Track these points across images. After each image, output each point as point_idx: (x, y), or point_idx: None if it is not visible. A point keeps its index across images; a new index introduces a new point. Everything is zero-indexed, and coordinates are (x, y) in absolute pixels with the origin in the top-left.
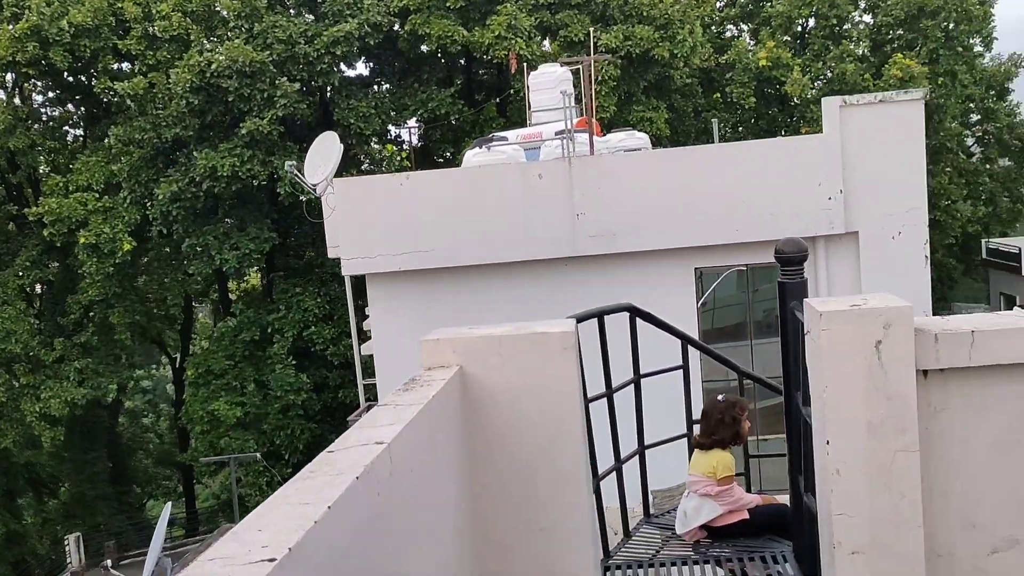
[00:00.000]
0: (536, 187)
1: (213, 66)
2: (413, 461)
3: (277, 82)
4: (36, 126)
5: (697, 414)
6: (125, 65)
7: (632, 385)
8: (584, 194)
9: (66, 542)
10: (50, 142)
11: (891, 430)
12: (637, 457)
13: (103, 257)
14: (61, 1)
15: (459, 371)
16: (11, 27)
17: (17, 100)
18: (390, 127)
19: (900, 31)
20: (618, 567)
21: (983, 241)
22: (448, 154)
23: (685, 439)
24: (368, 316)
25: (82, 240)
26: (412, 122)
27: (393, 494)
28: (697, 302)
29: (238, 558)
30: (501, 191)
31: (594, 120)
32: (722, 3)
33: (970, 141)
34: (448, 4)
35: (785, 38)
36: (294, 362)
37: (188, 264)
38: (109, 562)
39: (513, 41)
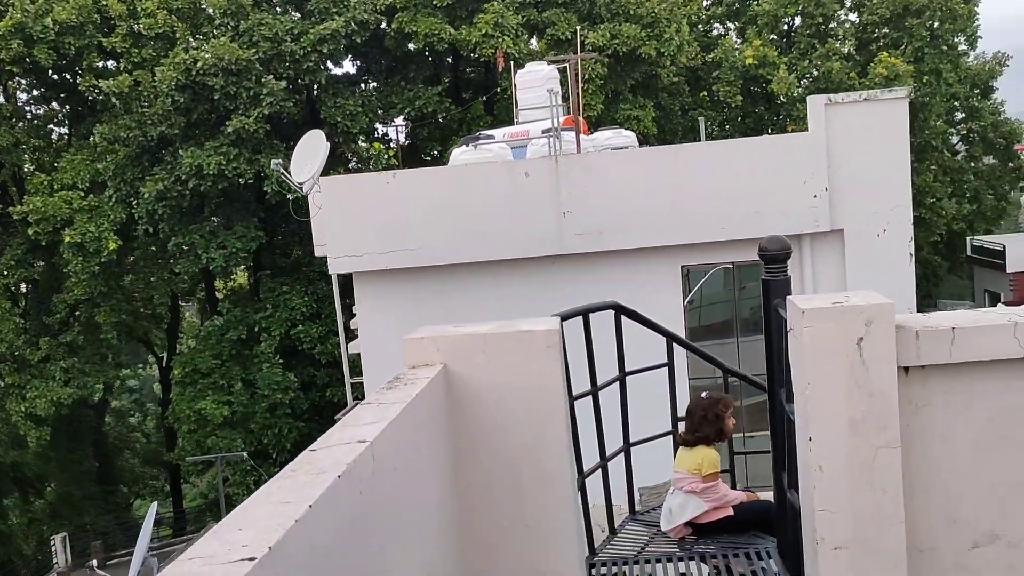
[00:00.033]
0: (523, 185)
1: (199, 64)
2: (396, 460)
3: (263, 80)
4: (20, 124)
5: (683, 411)
6: (110, 63)
7: (618, 383)
8: (571, 192)
9: (52, 542)
10: (35, 140)
11: (873, 427)
12: (623, 454)
13: (88, 256)
14: None
15: (443, 369)
16: None
17: (1, 98)
18: (377, 125)
19: (885, 30)
20: (603, 564)
21: (968, 239)
22: (435, 152)
23: (671, 436)
24: (355, 315)
25: (67, 239)
26: (399, 120)
27: (376, 493)
28: (684, 300)
29: (218, 557)
30: (488, 189)
31: (581, 118)
32: (708, 2)
33: (955, 139)
34: (435, 2)
35: (771, 37)
36: (281, 361)
37: (174, 263)
38: (95, 562)
39: (500, 39)
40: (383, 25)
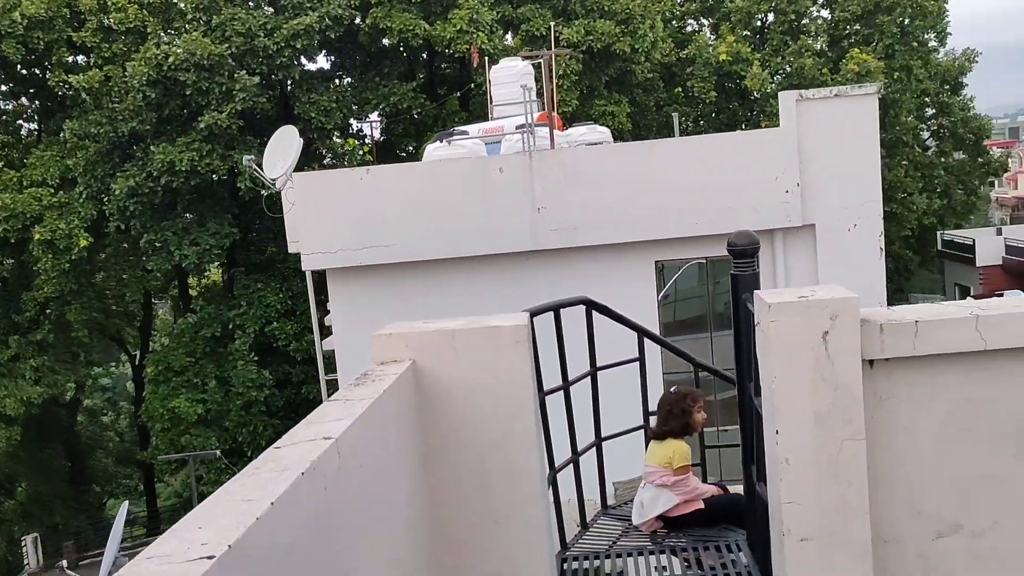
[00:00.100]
0: (497, 181)
1: (170, 59)
2: (363, 456)
3: (236, 75)
4: None
5: (654, 406)
6: (80, 58)
7: (589, 378)
8: (545, 188)
9: (23, 543)
10: (3, 136)
11: (838, 420)
12: (594, 449)
13: (59, 253)
14: None
15: (412, 365)
16: None
17: None
18: (352, 121)
19: (857, 26)
20: (575, 558)
21: (938, 233)
22: (410, 148)
23: (643, 431)
24: (330, 311)
25: (37, 236)
26: (374, 116)
27: (342, 489)
28: (658, 295)
29: (176, 556)
30: (462, 185)
31: (555, 114)
32: None
33: (925, 135)
34: None
35: (745, 33)
36: (256, 358)
37: (147, 260)
38: (65, 563)
39: (475, 35)
40: (357, 20)
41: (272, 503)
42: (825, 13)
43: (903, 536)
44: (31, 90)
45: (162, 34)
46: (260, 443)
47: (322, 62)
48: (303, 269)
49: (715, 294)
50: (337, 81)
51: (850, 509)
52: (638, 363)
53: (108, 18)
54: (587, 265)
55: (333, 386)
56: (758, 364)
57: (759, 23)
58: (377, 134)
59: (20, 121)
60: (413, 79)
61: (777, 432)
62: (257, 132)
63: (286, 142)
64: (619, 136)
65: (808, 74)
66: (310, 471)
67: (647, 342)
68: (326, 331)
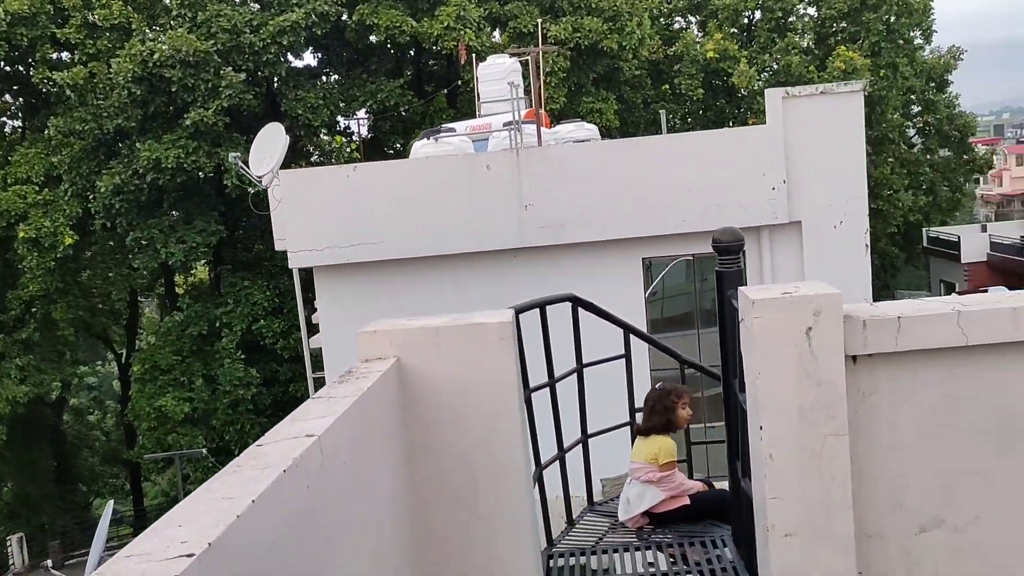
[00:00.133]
0: (484, 178)
1: (156, 56)
2: (346, 453)
3: (222, 72)
4: None
5: (641, 402)
6: (64, 55)
7: (575, 375)
8: (532, 185)
9: (9, 543)
10: None
11: (821, 415)
12: (581, 446)
13: (44, 251)
14: None
15: (396, 363)
16: None
17: None
18: (339, 118)
19: (843, 24)
20: (561, 555)
21: (924, 230)
22: (398, 145)
23: (629, 427)
24: (317, 309)
25: (22, 234)
26: (361, 113)
27: (324, 487)
28: (645, 292)
29: (156, 554)
30: (449, 182)
31: (542, 111)
32: None
33: (911, 132)
34: None
35: (732, 30)
36: (243, 356)
37: (133, 258)
38: (50, 562)
39: (462, 32)
40: (344, 17)
41: (253, 501)
42: (812, 10)
43: (886, 531)
44: (15, 87)
45: (147, 30)
46: (247, 441)
47: (309, 59)
48: (290, 267)
49: (702, 291)
50: (324, 78)
51: (834, 504)
52: (624, 360)
53: (92, 14)
54: (574, 262)
55: (320, 384)
56: (743, 360)
57: (746, 20)
58: (364, 131)
59: (4, 118)
60: (400, 76)
61: (761, 428)
62: (244, 129)
63: (272, 139)
64: (607, 133)
65: (795, 71)
66: (292, 469)
67: (633, 339)
68: (313, 329)
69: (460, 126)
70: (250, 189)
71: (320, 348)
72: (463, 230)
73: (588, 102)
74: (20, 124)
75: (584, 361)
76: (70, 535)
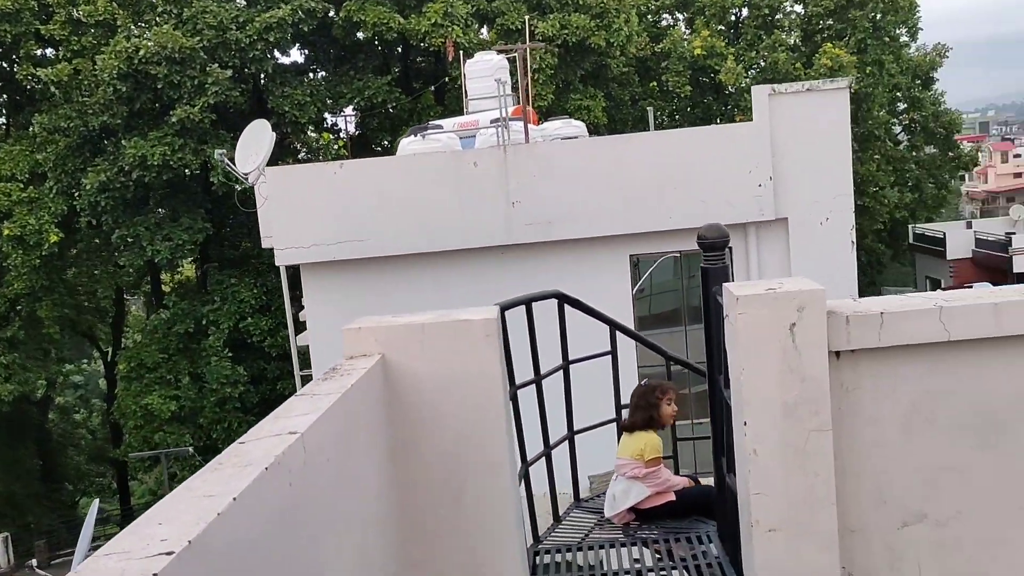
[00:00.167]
0: (471, 175)
1: (141, 52)
2: (330, 451)
3: (208, 69)
4: None
5: (627, 399)
6: (49, 51)
7: (562, 371)
8: (519, 182)
9: None
10: None
11: (805, 411)
12: (567, 442)
13: (29, 249)
14: None
15: (381, 360)
16: None
17: None
18: (326, 115)
19: (830, 21)
20: (547, 552)
21: (910, 226)
22: (386, 142)
23: (615, 424)
24: (304, 307)
25: (6, 232)
26: (349, 110)
27: (308, 484)
28: (632, 289)
29: (135, 552)
30: (436, 180)
31: (530, 108)
32: None
33: (897, 129)
34: None
35: (719, 27)
36: (230, 354)
37: (119, 256)
38: (35, 562)
39: (450, 29)
40: (331, 13)
41: (234, 498)
42: (798, 8)
43: (869, 526)
44: None
45: (132, 27)
46: (235, 440)
47: (295, 56)
48: (276, 264)
49: (689, 288)
50: (311, 75)
51: (817, 499)
52: (610, 356)
53: (77, 11)
54: (562, 259)
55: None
56: (727, 356)
57: (733, 18)
58: (352, 128)
59: None
60: (388, 73)
61: (745, 423)
62: (230, 126)
63: (258, 136)
64: (594, 130)
65: (782, 68)
66: (274, 466)
67: (621, 335)
68: (301, 326)
69: (448, 123)
70: (236, 186)
71: (308, 346)
72: (450, 227)
73: (576, 99)
74: (4, 121)
75: (570, 358)
76: (56, 534)
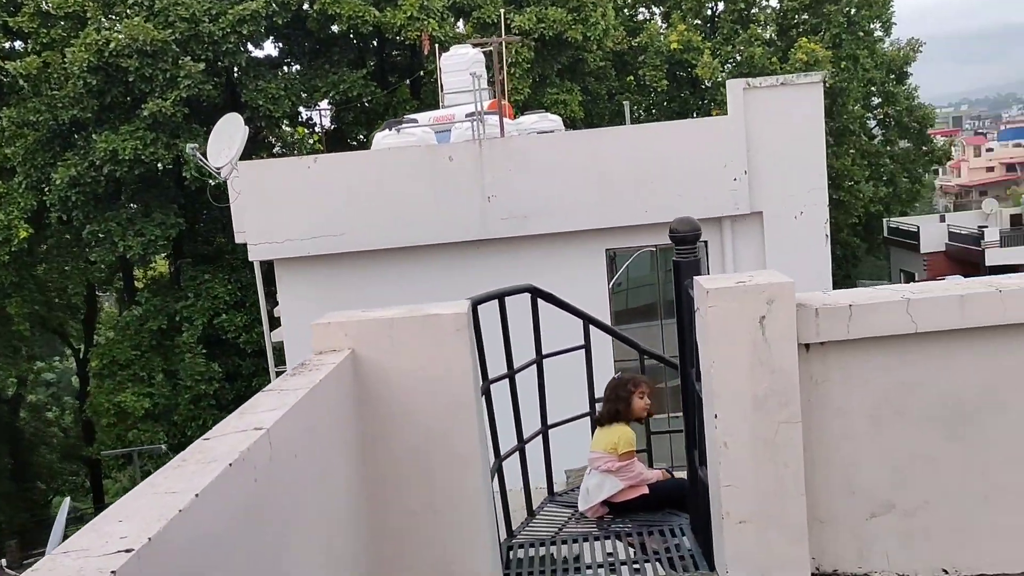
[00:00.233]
0: (446, 169)
1: (112, 45)
2: (297, 446)
3: (180, 62)
4: None
5: (600, 393)
6: (17, 44)
7: (535, 366)
8: (495, 176)
9: None
10: None
11: (775, 403)
12: (540, 437)
13: None
14: None
15: (351, 355)
16: None
17: None
18: (301, 109)
19: (805, 16)
20: (521, 546)
21: (884, 220)
22: (361, 137)
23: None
24: (279, 302)
25: None
26: (324, 104)
27: (274, 480)
28: (609, 283)
29: (93, 550)
30: (411, 174)
31: (506, 102)
32: None
33: (872, 123)
34: None
35: (696, 22)
36: (204, 351)
37: (90, 251)
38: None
39: (425, 22)
40: (305, 6)
41: (197, 495)
42: (774, 2)
43: (838, 517)
44: None
45: (102, 19)
46: None
47: (269, 49)
48: (250, 259)
49: (666, 282)
50: (285, 68)
51: (787, 491)
52: (584, 351)
53: (46, 3)
54: (538, 254)
55: None
56: (699, 350)
57: (710, 12)
58: (327, 123)
59: None
60: (363, 66)
61: (716, 416)
62: (203, 120)
63: (231, 130)
64: (571, 124)
65: (758, 63)
66: (239, 462)
67: (597, 330)
68: (276, 322)
69: (423, 117)
70: (210, 181)
71: (283, 342)
72: (426, 222)
73: (552, 93)
74: None
75: (545, 352)
76: (28, 534)
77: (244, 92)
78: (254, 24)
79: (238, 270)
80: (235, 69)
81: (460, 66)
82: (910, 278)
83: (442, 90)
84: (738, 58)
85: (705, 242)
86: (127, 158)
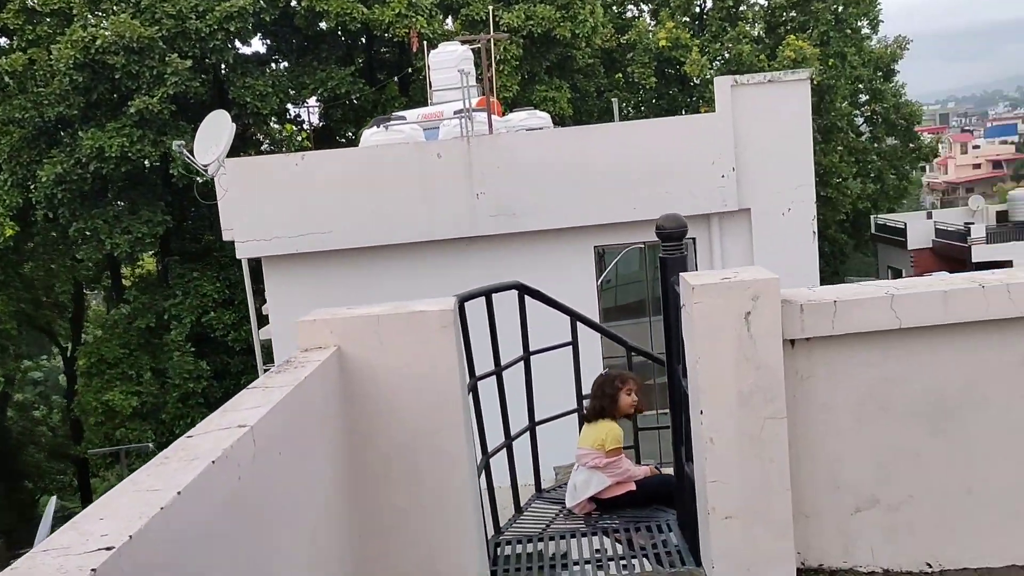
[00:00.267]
0: (434, 167)
1: (98, 41)
2: (282, 444)
3: (167, 59)
4: None
5: (588, 390)
6: (3, 40)
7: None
8: (483, 173)
9: None
10: None
11: (760, 399)
12: (528, 433)
13: None
14: None
15: (336, 352)
16: None
17: None
18: (289, 106)
19: (793, 13)
20: (508, 542)
21: (872, 217)
22: (350, 134)
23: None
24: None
25: None
26: (312, 101)
27: (257, 478)
28: (598, 280)
29: (74, 548)
30: (399, 171)
31: (494, 99)
32: None
33: (859, 120)
34: None
35: (684, 19)
36: (193, 349)
37: (77, 249)
38: None
39: (414, 19)
40: (293, 3)
41: (179, 492)
42: (762, 0)
43: (823, 511)
44: None
45: (89, 16)
46: None
47: (257, 45)
48: (238, 257)
49: (654, 279)
50: (273, 65)
51: (772, 486)
52: (571, 347)
53: None
54: (526, 251)
55: None
56: (685, 346)
57: (698, 9)
58: (315, 120)
59: None
60: (351, 63)
61: (702, 412)
62: (190, 117)
63: (218, 127)
64: (560, 122)
65: (746, 60)
66: (222, 459)
67: (585, 327)
68: (264, 320)
69: (411, 114)
70: (197, 179)
71: (271, 339)
72: (414, 219)
73: (541, 90)
74: None
75: (532, 349)
76: (16, 533)
77: (231, 89)
78: (241, 21)
79: (226, 268)
80: (222, 66)
81: (448, 63)
82: (897, 274)
83: (430, 87)
84: (726, 55)
85: (693, 239)
86: (114, 155)
